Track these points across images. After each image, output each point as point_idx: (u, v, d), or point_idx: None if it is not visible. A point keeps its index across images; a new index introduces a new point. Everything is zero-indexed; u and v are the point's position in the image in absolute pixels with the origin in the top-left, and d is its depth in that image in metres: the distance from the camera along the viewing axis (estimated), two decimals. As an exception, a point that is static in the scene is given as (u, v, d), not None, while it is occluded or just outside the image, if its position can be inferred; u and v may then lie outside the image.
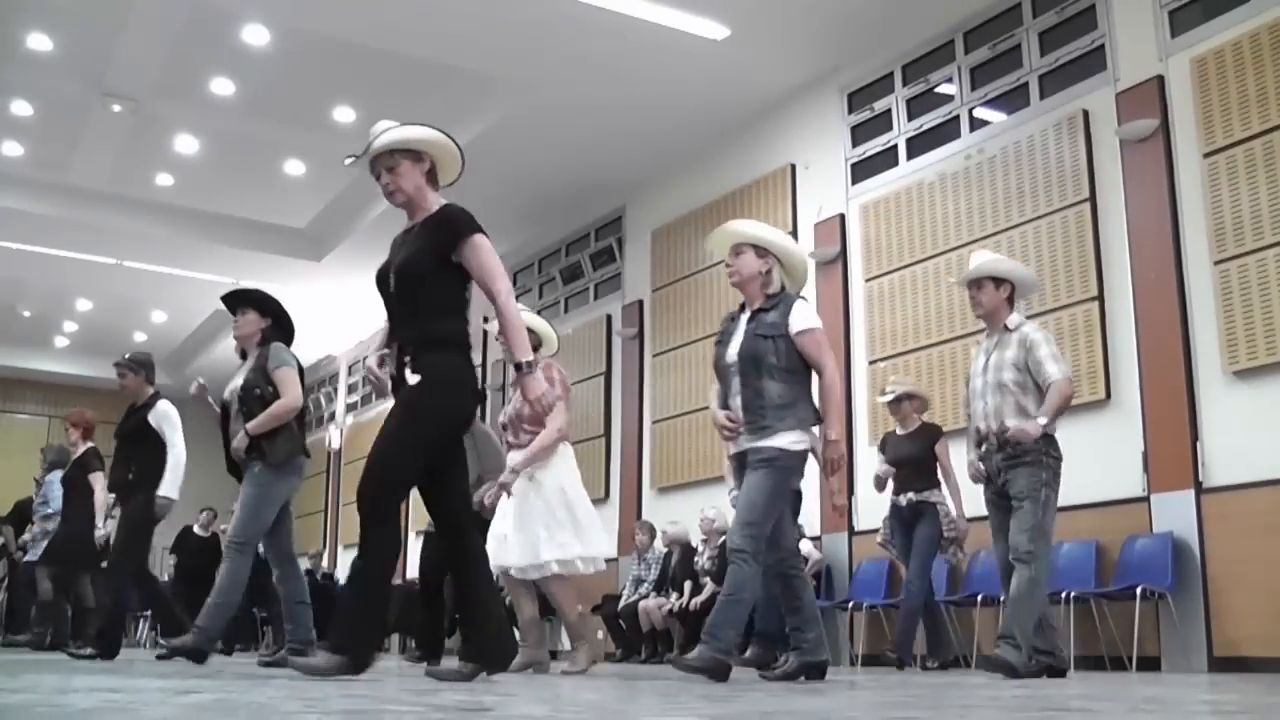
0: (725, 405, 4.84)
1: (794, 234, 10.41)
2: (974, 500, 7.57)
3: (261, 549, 5.98)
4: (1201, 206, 7.37)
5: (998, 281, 5.70)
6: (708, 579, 9.70)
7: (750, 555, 4.58)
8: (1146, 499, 7.37)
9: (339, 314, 16.41)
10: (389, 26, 9.69)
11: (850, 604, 8.81)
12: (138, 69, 10.99)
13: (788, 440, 4.65)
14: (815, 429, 4.76)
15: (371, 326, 18.14)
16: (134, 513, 6.81)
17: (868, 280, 9.63)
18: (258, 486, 5.71)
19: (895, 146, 9.66)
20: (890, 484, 7.53)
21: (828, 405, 4.72)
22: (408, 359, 4.00)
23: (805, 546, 9.22)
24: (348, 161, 4.34)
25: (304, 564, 13.45)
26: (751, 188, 10.98)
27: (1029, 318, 8.10)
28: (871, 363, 9.42)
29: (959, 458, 7.54)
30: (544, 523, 5.87)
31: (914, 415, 7.59)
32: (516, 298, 12.97)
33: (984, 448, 5.61)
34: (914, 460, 7.41)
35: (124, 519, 6.91)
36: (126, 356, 7.20)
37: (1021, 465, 5.45)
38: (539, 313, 14.23)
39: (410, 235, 4.20)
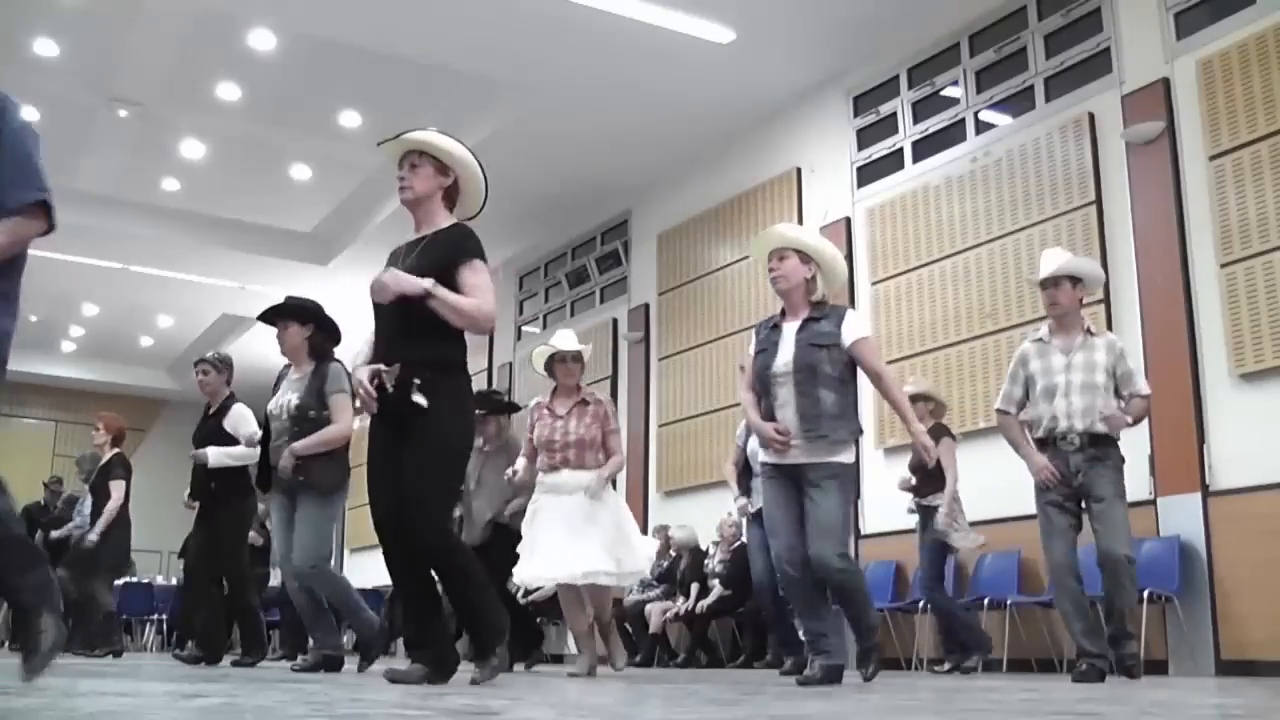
0: (770, 417, 4.76)
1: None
2: (973, 505, 7.58)
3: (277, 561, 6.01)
4: (1208, 209, 7.36)
5: (1074, 281, 5.66)
6: (716, 582, 9.71)
7: (851, 567, 4.75)
8: (1153, 502, 7.35)
9: (346, 318, 16.36)
10: (395, 31, 9.70)
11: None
12: (144, 74, 11.02)
13: (848, 455, 4.70)
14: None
15: (377, 330, 18.17)
16: (227, 522, 6.75)
17: (874, 283, 9.62)
18: (317, 509, 5.72)
19: (901, 149, 9.65)
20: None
21: (898, 404, 4.79)
22: (418, 381, 3.91)
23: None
24: (380, 143, 4.29)
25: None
26: (757, 191, 10.98)
27: (1039, 319, 8.15)
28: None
29: (973, 458, 7.55)
30: (610, 535, 6.00)
31: (927, 417, 7.56)
32: (522, 302, 12.85)
33: (1061, 446, 5.52)
34: (922, 465, 7.38)
35: (218, 531, 6.78)
36: (211, 355, 7.07)
37: (1105, 467, 5.47)
38: (543, 317, 14.29)
39: (416, 248, 4.15)
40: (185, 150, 12.77)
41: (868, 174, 9.94)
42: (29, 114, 11.98)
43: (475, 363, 15.65)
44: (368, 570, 16.82)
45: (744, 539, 9.74)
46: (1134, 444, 7.46)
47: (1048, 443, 5.57)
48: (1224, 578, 6.97)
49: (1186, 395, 7.26)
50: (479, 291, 4.02)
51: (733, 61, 9.86)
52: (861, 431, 4.82)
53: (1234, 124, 7.29)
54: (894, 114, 9.74)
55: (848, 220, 9.98)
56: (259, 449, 6.19)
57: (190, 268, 15.49)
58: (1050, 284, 5.66)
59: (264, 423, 6.04)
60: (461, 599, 4.03)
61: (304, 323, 5.97)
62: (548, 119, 11.08)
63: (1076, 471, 5.49)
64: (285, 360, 6.17)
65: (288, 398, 5.86)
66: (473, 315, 3.96)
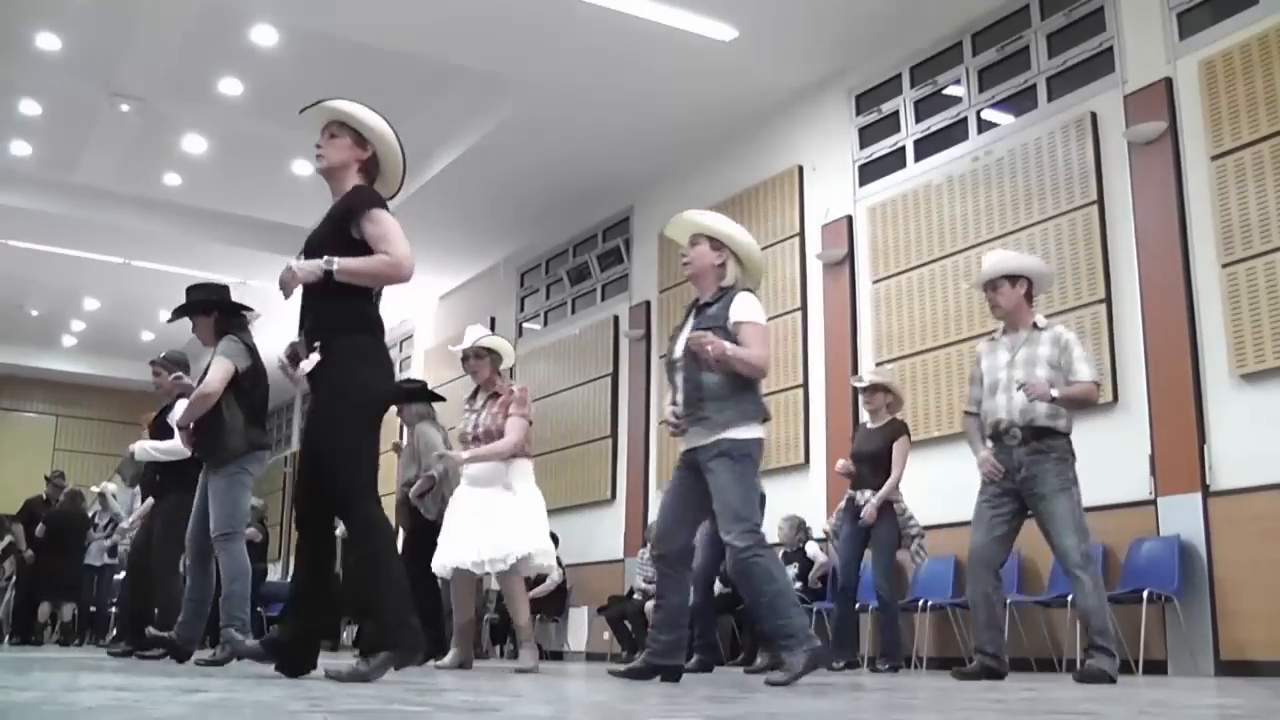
0: (674, 402, 4.75)
1: (801, 235, 10.43)
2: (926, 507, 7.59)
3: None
4: (1209, 209, 7.35)
5: (1013, 279, 5.66)
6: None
7: (758, 545, 4.45)
8: (1153, 502, 7.36)
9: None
10: (397, 27, 9.70)
11: (856, 605, 8.78)
12: (146, 69, 11.02)
13: (741, 431, 4.55)
14: (761, 426, 4.67)
15: (378, 326, 18.17)
16: (169, 511, 6.82)
17: (875, 282, 9.62)
18: (223, 480, 5.79)
19: (903, 148, 9.65)
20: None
21: (735, 366, 4.55)
22: (317, 344, 3.94)
23: (811, 548, 9.24)
24: (302, 110, 4.29)
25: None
26: (759, 189, 10.98)
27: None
28: (879, 364, 9.39)
29: (926, 462, 7.55)
30: (514, 524, 6.24)
31: (884, 409, 7.56)
32: (523, 299, 12.87)
33: (1002, 441, 5.54)
34: (875, 456, 7.40)
35: (161, 516, 6.91)
36: (161, 356, 7.29)
37: (1048, 460, 5.42)
38: (544, 314, 14.29)
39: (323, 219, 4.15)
40: (187, 145, 12.78)
41: (869, 172, 9.93)
42: (31, 108, 12.11)
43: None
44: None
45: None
46: (1133, 443, 7.49)
47: (993, 438, 5.61)
48: (1224, 578, 6.97)
49: (1187, 395, 7.26)
50: (383, 242, 3.97)
51: (735, 59, 9.85)
52: (762, 414, 4.65)
53: (1236, 124, 7.29)
54: (896, 113, 9.73)
55: (849, 219, 9.98)
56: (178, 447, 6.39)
57: (191, 263, 15.48)
58: (989, 288, 5.70)
59: None
60: (361, 575, 3.88)
61: (207, 313, 6.11)
62: (549, 116, 11.07)
63: (1019, 466, 5.48)
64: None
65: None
66: (382, 270, 3.93)
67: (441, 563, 6.37)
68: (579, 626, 12.36)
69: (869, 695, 3.75)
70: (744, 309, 4.64)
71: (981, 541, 5.58)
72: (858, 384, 7.79)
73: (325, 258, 3.89)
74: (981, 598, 5.59)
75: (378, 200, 4.09)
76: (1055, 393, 5.37)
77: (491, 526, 6.20)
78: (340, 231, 4.01)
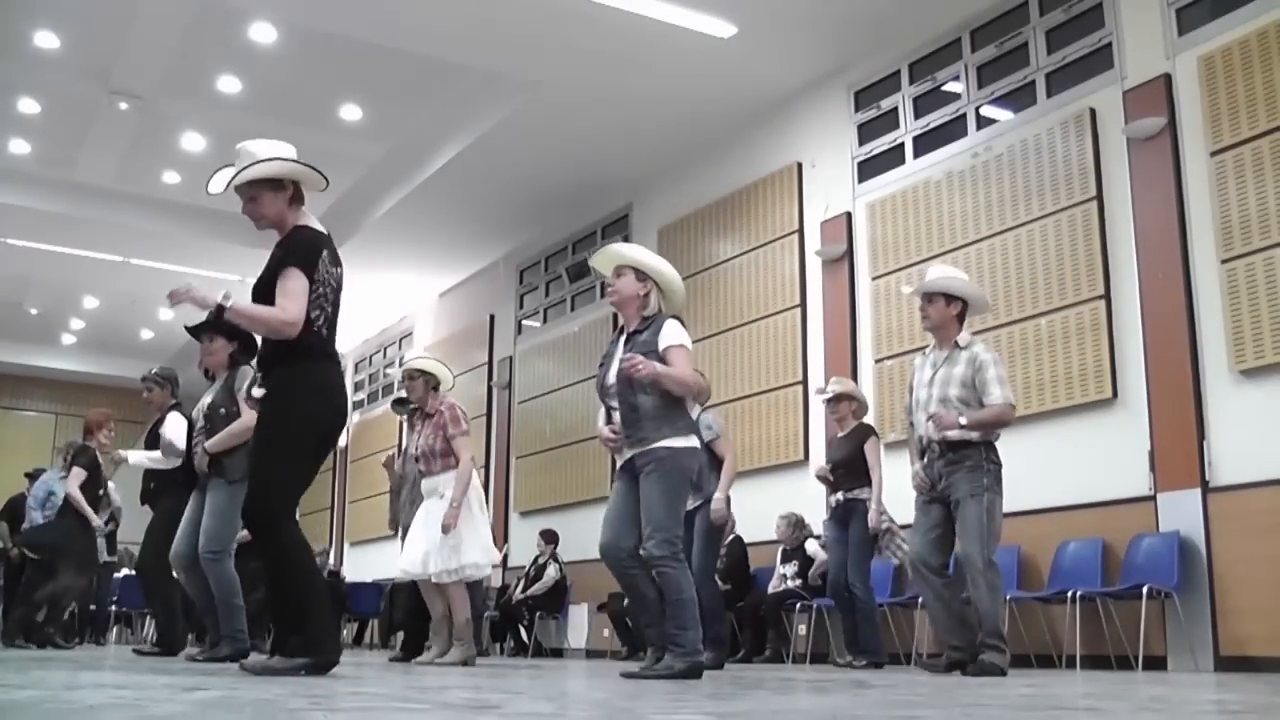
0: (610, 422, 4.98)
1: (800, 232, 10.43)
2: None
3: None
4: (1208, 205, 7.35)
5: (949, 298, 5.86)
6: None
7: (672, 557, 4.67)
8: (1153, 498, 7.36)
9: (345, 311, 16.38)
10: (395, 24, 9.69)
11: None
12: (144, 67, 11.02)
13: (676, 440, 4.76)
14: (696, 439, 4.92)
15: (378, 324, 18.18)
16: (156, 517, 7.11)
17: (874, 278, 9.61)
18: (225, 498, 5.94)
19: (902, 144, 9.64)
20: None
21: (671, 385, 4.77)
22: (258, 375, 4.27)
23: (812, 546, 9.24)
24: (211, 190, 4.45)
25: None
26: (758, 185, 10.97)
27: (1038, 315, 8.17)
28: (878, 361, 9.41)
29: (893, 464, 7.57)
30: (435, 538, 6.67)
31: (850, 417, 7.68)
32: (523, 296, 12.91)
33: (926, 457, 5.80)
34: (847, 461, 7.54)
35: (150, 526, 7.19)
36: (153, 371, 7.55)
37: (962, 469, 5.65)
38: (543, 311, 14.29)
39: None
40: (185, 143, 12.78)
41: (869, 169, 9.93)
42: (29, 107, 12.11)
43: (476, 357, 15.72)
44: (364, 563, 16.86)
45: (737, 533, 9.79)
46: (1133, 439, 7.50)
47: (920, 454, 5.87)
48: (1223, 574, 6.97)
49: (1186, 391, 7.26)
50: (283, 295, 4.15)
51: (734, 56, 9.85)
52: (693, 429, 4.88)
53: (1235, 120, 7.28)
54: (895, 109, 9.73)
55: (848, 215, 9.98)
56: (183, 454, 6.68)
57: (191, 261, 15.48)
58: (924, 298, 5.90)
59: (189, 428, 6.48)
60: (278, 582, 4.15)
61: (230, 339, 6.32)
62: (548, 113, 11.06)
63: (940, 478, 5.74)
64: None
65: (204, 400, 6.30)
66: (270, 322, 4.13)
67: (398, 568, 6.93)
68: (579, 623, 12.37)
69: (870, 692, 3.75)
70: (672, 335, 4.88)
71: (919, 546, 5.85)
72: (822, 396, 7.91)
73: (224, 293, 4.11)
74: (934, 598, 5.82)
75: (300, 255, 4.23)
76: (963, 421, 5.62)
77: (429, 538, 6.69)
78: (273, 276, 4.23)
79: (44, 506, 9.98)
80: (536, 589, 12.06)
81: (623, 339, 5.01)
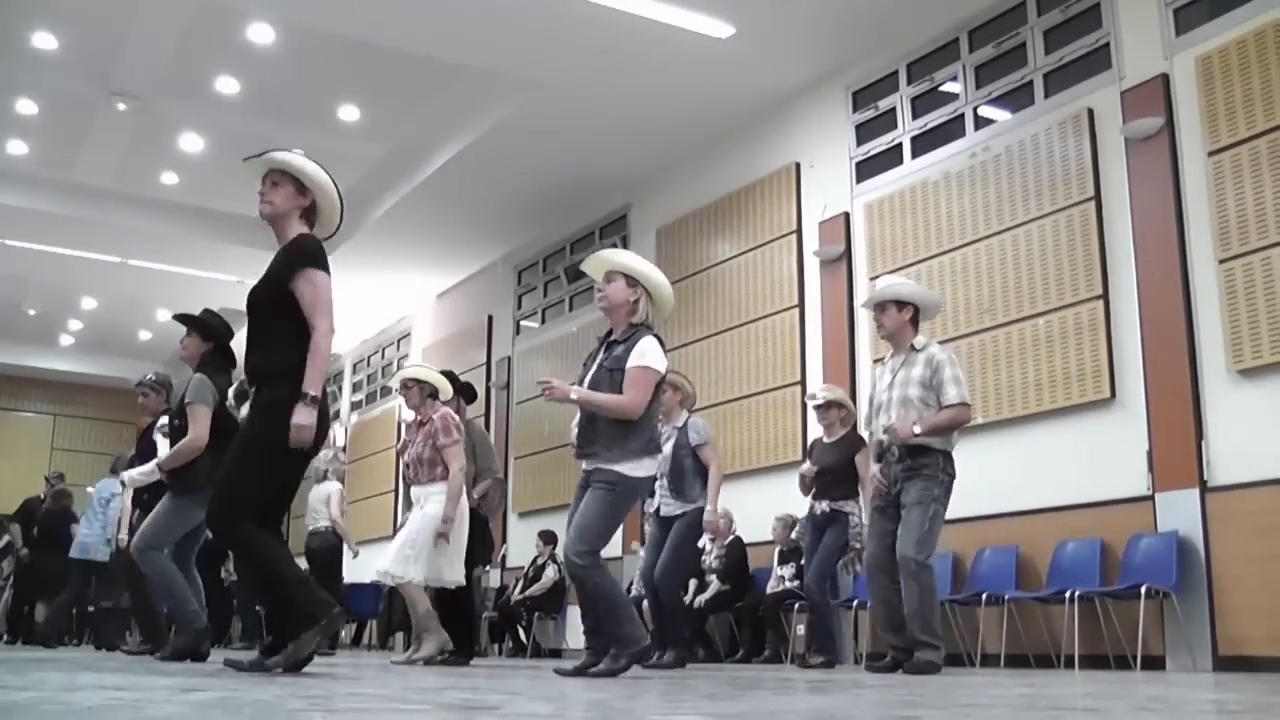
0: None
1: (798, 232, 10.43)
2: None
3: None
4: (1206, 205, 7.35)
5: (900, 304, 6.03)
6: (713, 577, 9.72)
7: (593, 565, 4.81)
8: (1151, 498, 7.36)
9: (344, 312, 16.38)
10: (394, 24, 9.69)
11: (854, 603, 8.81)
12: (143, 67, 11.01)
13: (628, 468, 4.82)
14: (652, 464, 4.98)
15: (376, 325, 18.17)
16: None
17: (872, 279, 9.60)
18: (170, 502, 6.12)
19: (900, 145, 9.65)
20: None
21: (612, 411, 4.84)
22: (252, 390, 4.25)
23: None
24: (245, 160, 4.45)
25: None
26: (756, 186, 10.98)
27: (1037, 315, 8.17)
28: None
29: (971, 454, 7.56)
30: (399, 547, 6.71)
31: (838, 424, 7.67)
32: (521, 296, 12.90)
33: (887, 459, 5.90)
34: (835, 469, 7.51)
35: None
36: (148, 377, 7.59)
37: (918, 477, 5.78)
38: (541, 312, 14.29)
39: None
40: (184, 144, 12.77)
41: (866, 169, 9.93)
42: (28, 107, 12.09)
43: (474, 357, 15.72)
44: (363, 564, 16.85)
45: (736, 534, 9.80)
46: (1131, 439, 7.50)
47: (878, 458, 6.00)
48: (1222, 573, 6.98)
49: (1185, 391, 7.27)
50: (314, 312, 4.21)
51: (732, 56, 9.85)
52: (648, 450, 4.90)
53: (1233, 120, 7.29)
54: (893, 109, 9.73)
55: (846, 215, 9.98)
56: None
57: (189, 261, 15.50)
58: (876, 308, 6.08)
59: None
60: (257, 576, 4.22)
61: (205, 338, 6.34)
62: (546, 113, 11.06)
63: (895, 482, 5.87)
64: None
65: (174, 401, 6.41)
66: (322, 358, 4.19)
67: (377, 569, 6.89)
68: (577, 624, 12.33)
69: (868, 692, 3.75)
70: (640, 353, 4.90)
71: (875, 550, 6.01)
72: (814, 402, 7.92)
73: (308, 395, 4.13)
74: (881, 601, 5.99)
75: (316, 258, 4.29)
76: (918, 429, 5.74)
77: (399, 542, 6.74)
78: (279, 291, 4.24)
79: (108, 508, 10.45)
80: (535, 590, 12.07)
81: (603, 347, 5.05)
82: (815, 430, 9.90)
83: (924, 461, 5.78)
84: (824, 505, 7.47)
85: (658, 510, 7.30)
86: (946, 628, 8.34)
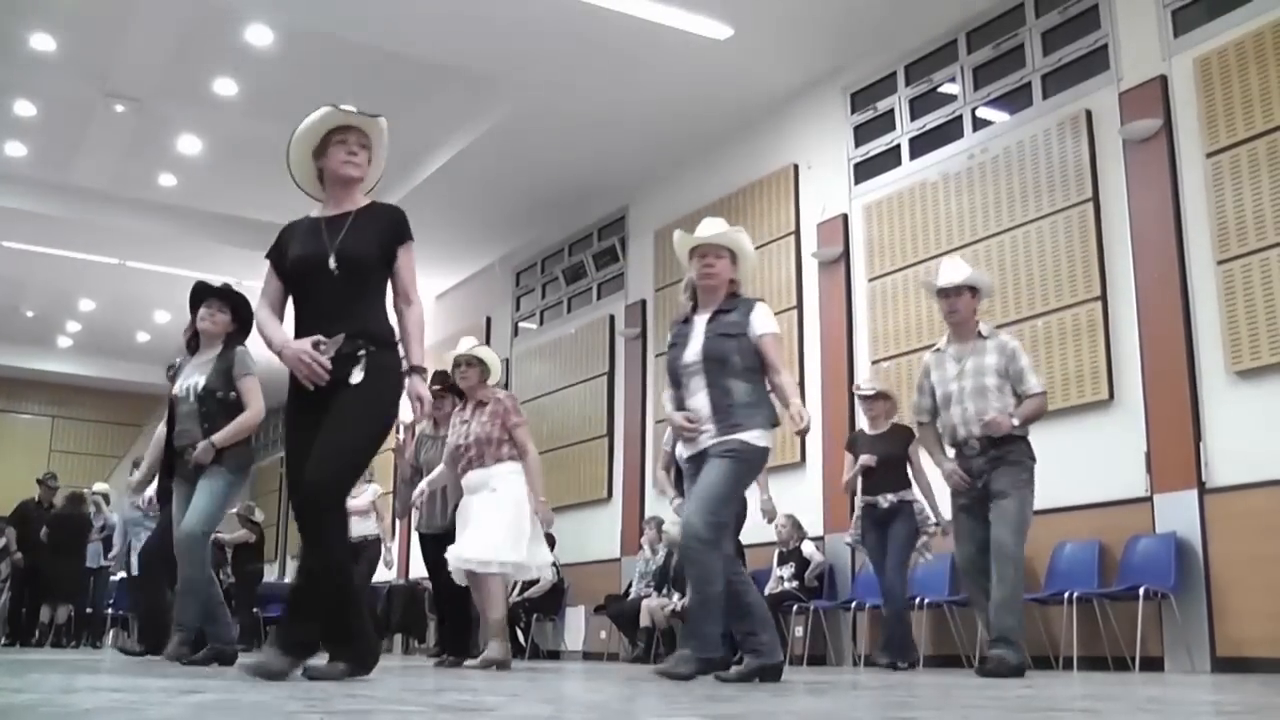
0: (681, 408, 4.81)
1: (797, 234, 10.44)
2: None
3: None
4: (1205, 206, 7.36)
5: (973, 290, 5.89)
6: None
7: (714, 544, 4.52)
8: (1149, 499, 7.36)
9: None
10: (392, 27, 9.69)
11: (853, 604, 8.80)
12: (141, 69, 11.01)
13: (753, 436, 4.62)
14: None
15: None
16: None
17: (870, 280, 9.62)
18: (222, 482, 5.74)
19: (898, 146, 9.65)
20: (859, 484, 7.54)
21: (788, 397, 4.67)
22: (363, 354, 3.92)
23: (808, 548, 9.23)
24: (345, 107, 4.34)
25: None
26: (754, 187, 10.98)
27: (1035, 316, 8.17)
28: (874, 362, 9.41)
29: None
30: (505, 529, 6.31)
31: (883, 416, 7.66)
32: (519, 298, 12.91)
33: (964, 452, 5.72)
34: (891, 460, 7.45)
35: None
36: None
37: (1005, 465, 5.60)
38: (539, 314, 14.29)
39: (343, 225, 4.11)
40: (182, 146, 12.77)
41: (865, 170, 9.93)
42: (26, 109, 12.09)
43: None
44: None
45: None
46: (1129, 440, 7.50)
47: (955, 449, 5.79)
48: (1220, 574, 6.98)
49: (1183, 392, 7.27)
50: (411, 286, 4.13)
51: (730, 58, 9.85)
52: (777, 421, 4.74)
53: (1231, 121, 7.29)
54: (891, 110, 9.74)
55: (845, 217, 9.98)
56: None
57: (187, 263, 15.46)
58: (952, 293, 5.86)
59: (169, 410, 6.04)
60: (326, 570, 3.88)
61: (235, 318, 6.06)
62: (545, 115, 11.07)
63: (980, 475, 5.67)
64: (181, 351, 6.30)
65: (193, 380, 5.90)
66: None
67: (454, 564, 6.44)
68: (575, 625, 12.37)
69: (866, 694, 3.75)
70: (767, 321, 4.78)
71: (972, 553, 5.75)
72: (864, 392, 7.83)
73: (424, 369, 4.06)
74: (976, 602, 5.82)
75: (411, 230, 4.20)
76: (1016, 422, 5.60)
77: (481, 528, 6.32)
78: (388, 255, 4.11)
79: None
80: (534, 591, 12.04)
81: (701, 319, 4.84)
82: (814, 430, 9.91)
83: (1009, 449, 5.60)
84: (889, 498, 7.36)
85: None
86: (945, 629, 8.37)
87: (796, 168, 10.60)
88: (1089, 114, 8.12)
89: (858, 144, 10.02)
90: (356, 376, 3.89)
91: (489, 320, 15.33)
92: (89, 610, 13.71)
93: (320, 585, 3.88)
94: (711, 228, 4.96)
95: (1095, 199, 8.00)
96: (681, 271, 5.32)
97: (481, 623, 6.76)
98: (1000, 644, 5.39)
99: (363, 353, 3.92)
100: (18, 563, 13.11)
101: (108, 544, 12.88)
